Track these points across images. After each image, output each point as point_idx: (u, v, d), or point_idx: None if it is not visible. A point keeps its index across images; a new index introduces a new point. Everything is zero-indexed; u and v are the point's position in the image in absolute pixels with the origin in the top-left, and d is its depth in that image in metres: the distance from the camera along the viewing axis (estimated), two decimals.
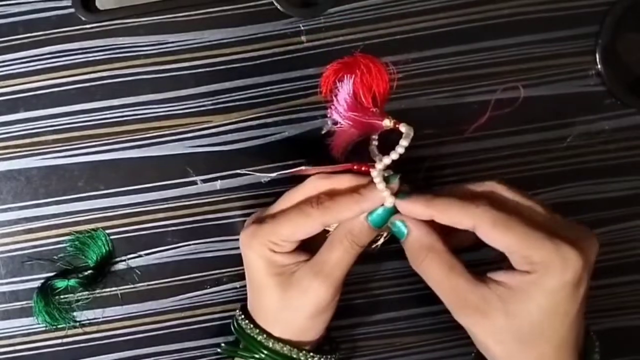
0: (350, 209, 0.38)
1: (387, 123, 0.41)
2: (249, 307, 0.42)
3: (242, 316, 0.42)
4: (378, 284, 0.48)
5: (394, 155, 0.39)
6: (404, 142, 0.39)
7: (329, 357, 0.41)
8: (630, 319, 0.49)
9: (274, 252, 0.39)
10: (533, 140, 0.47)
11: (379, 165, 0.39)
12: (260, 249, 0.39)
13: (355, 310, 0.48)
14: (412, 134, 0.40)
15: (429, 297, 0.47)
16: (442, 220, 0.36)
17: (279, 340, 0.40)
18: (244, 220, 0.46)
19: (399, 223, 0.38)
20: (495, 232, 0.35)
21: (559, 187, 0.47)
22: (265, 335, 0.40)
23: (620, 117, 0.47)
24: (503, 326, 0.35)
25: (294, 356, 0.39)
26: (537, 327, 0.35)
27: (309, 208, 0.38)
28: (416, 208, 0.37)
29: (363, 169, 0.40)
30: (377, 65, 0.45)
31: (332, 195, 0.39)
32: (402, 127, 0.41)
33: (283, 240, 0.39)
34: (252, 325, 0.41)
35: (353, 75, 0.44)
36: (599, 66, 0.47)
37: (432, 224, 0.38)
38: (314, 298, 0.39)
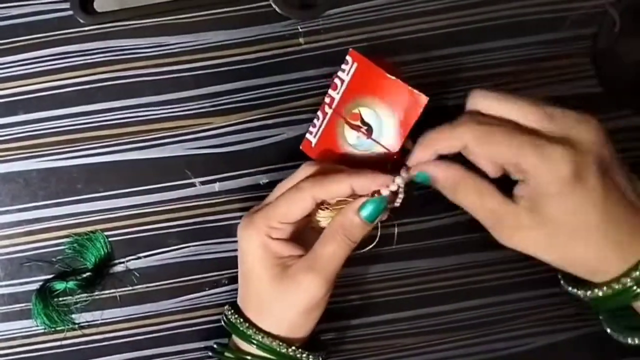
0: (340, 181, 0.38)
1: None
2: (239, 300, 0.42)
3: (232, 311, 0.42)
4: (377, 285, 0.48)
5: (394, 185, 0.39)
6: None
7: (316, 354, 0.41)
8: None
9: (271, 238, 0.39)
10: None
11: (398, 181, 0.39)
12: (257, 236, 0.39)
13: (354, 311, 0.48)
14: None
15: (428, 299, 0.47)
16: (439, 149, 0.37)
17: (268, 334, 0.40)
18: None
19: (420, 174, 0.38)
20: (480, 147, 0.35)
21: None
22: (254, 329, 0.40)
23: (617, 118, 0.47)
24: (538, 236, 0.36)
25: (283, 351, 0.39)
26: (568, 228, 0.35)
27: (301, 182, 0.39)
28: (420, 153, 0.38)
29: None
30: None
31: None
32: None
33: (279, 221, 0.39)
34: (241, 320, 0.41)
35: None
36: (597, 68, 0.47)
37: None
38: (307, 292, 0.39)
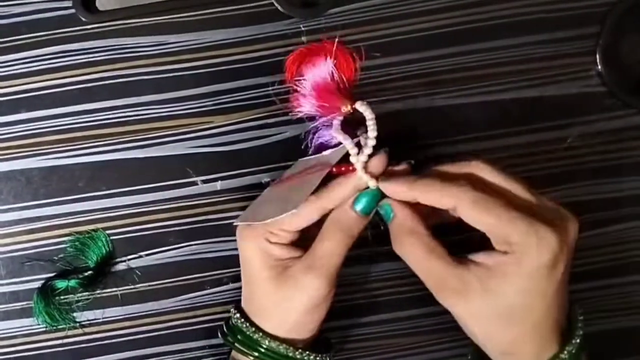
0: (343, 184, 0.39)
1: (345, 109, 0.42)
2: (242, 302, 0.42)
3: (238, 315, 0.41)
4: (377, 284, 0.48)
5: (367, 148, 0.40)
6: (371, 133, 0.40)
7: (324, 356, 0.41)
8: (631, 319, 0.48)
9: (270, 242, 0.40)
10: (533, 140, 0.47)
11: (358, 158, 0.40)
12: (257, 239, 0.40)
13: (354, 310, 0.48)
14: (373, 116, 0.41)
15: (428, 298, 0.47)
16: (425, 200, 0.37)
17: (274, 337, 0.40)
18: None
19: (386, 206, 0.39)
20: (474, 212, 0.35)
21: (559, 188, 0.47)
22: (261, 334, 0.40)
23: (621, 117, 0.47)
24: (481, 306, 0.35)
25: (290, 355, 0.39)
26: (514, 307, 0.35)
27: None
28: (399, 189, 0.38)
29: (343, 169, 0.40)
30: (344, 52, 0.45)
31: None
32: (359, 106, 0.41)
33: (281, 229, 0.40)
34: (247, 324, 0.41)
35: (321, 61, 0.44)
36: (600, 67, 0.47)
37: (417, 205, 0.38)
38: (309, 292, 0.39)
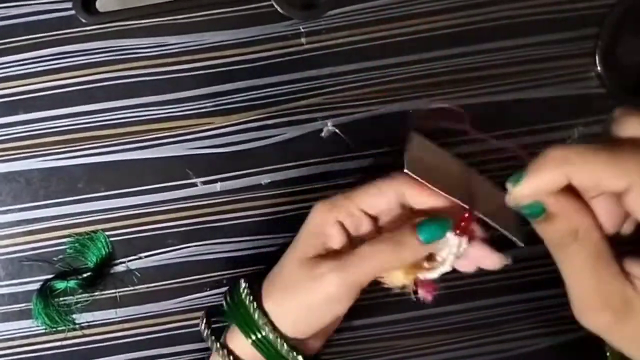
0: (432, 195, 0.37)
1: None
2: (269, 276, 0.41)
3: (247, 290, 0.40)
4: (379, 286, 0.47)
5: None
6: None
7: None
8: None
9: (339, 223, 0.38)
10: (533, 142, 0.47)
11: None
12: (329, 212, 0.38)
13: (355, 312, 0.47)
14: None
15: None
16: (583, 181, 0.27)
17: (274, 328, 0.38)
18: (244, 223, 0.46)
19: (534, 204, 0.29)
20: None
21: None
22: (265, 319, 0.38)
23: None
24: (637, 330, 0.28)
25: (283, 353, 0.38)
26: None
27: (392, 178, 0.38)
28: (546, 173, 0.28)
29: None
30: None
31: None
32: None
33: (359, 206, 0.38)
34: (255, 303, 0.39)
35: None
36: (599, 68, 0.47)
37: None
38: (326, 289, 0.36)
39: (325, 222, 0.38)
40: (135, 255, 0.47)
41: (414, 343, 0.48)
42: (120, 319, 0.47)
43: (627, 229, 0.30)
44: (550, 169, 0.28)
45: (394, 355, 0.48)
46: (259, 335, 0.39)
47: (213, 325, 0.43)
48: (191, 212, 0.47)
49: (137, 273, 0.47)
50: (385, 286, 0.39)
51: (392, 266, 0.37)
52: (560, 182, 0.28)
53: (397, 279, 0.39)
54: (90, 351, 0.47)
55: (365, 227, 0.39)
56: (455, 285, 0.47)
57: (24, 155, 0.46)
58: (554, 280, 0.47)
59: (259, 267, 0.47)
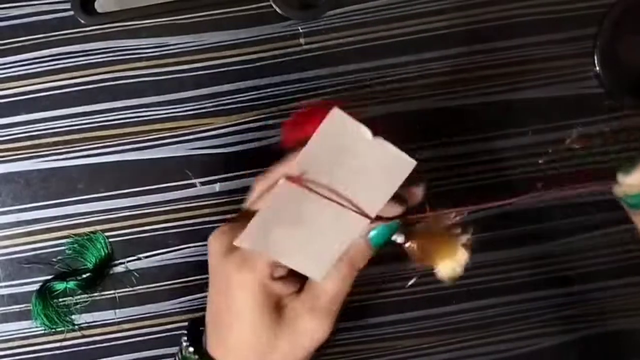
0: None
1: None
2: (209, 344, 0.36)
3: (192, 349, 0.36)
4: (380, 286, 0.47)
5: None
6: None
7: None
8: (631, 321, 0.48)
9: (273, 278, 0.33)
10: (533, 142, 0.47)
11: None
12: (256, 278, 0.33)
13: (356, 312, 0.47)
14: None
15: (431, 300, 0.47)
16: None
17: None
18: None
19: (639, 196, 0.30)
20: None
21: (559, 189, 0.47)
22: None
23: (619, 118, 0.47)
24: None
25: None
26: None
27: None
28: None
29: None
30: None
31: None
32: None
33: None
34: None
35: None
36: (598, 68, 0.47)
37: None
38: (312, 337, 0.33)
39: (263, 288, 0.33)
40: (134, 255, 0.47)
41: (414, 343, 0.48)
42: (119, 319, 0.47)
43: None
44: None
45: (394, 355, 0.48)
46: None
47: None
48: (190, 213, 0.47)
49: (136, 274, 0.47)
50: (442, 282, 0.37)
51: (354, 277, 0.35)
52: None
53: (449, 271, 0.37)
54: (90, 352, 0.47)
55: None
56: (455, 285, 0.47)
57: (24, 156, 0.46)
58: (554, 281, 0.47)
59: None
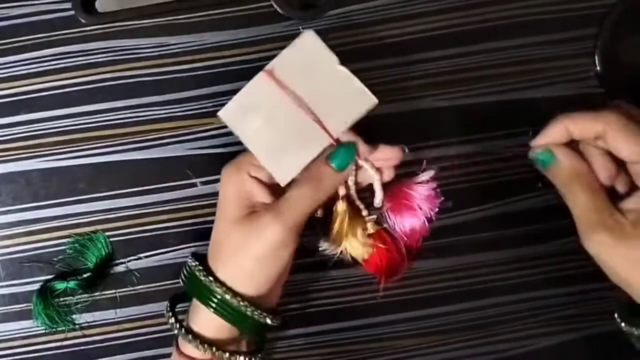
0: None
1: None
2: (210, 249, 0.41)
3: (195, 263, 0.40)
4: (378, 286, 0.47)
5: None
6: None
7: (273, 316, 0.40)
8: None
9: (249, 175, 0.40)
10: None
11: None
12: (237, 173, 0.40)
13: (356, 312, 0.48)
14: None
15: (430, 299, 0.47)
16: (575, 127, 0.38)
17: (229, 289, 0.39)
18: None
19: (545, 153, 0.39)
20: (623, 136, 0.36)
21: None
22: (216, 283, 0.39)
23: None
24: (630, 251, 0.36)
25: (241, 309, 0.39)
26: None
27: None
28: (552, 128, 0.39)
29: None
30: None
31: None
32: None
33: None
34: (204, 272, 0.40)
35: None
36: (598, 68, 0.47)
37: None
38: (268, 238, 0.38)
39: (240, 182, 0.40)
40: (135, 255, 0.47)
41: (413, 343, 0.48)
42: (120, 319, 0.47)
43: (620, 186, 0.40)
44: (555, 124, 0.39)
45: (394, 355, 0.48)
46: (216, 300, 0.39)
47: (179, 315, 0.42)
48: (191, 213, 0.47)
49: (136, 273, 0.47)
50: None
51: (322, 199, 0.40)
52: (562, 133, 0.39)
53: (355, 249, 0.43)
54: (90, 351, 0.47)
55: None
56: (455, 285, 0.47)
57: (24, 156, 0.46)
58: (554, 280, 0.47)
59: None
